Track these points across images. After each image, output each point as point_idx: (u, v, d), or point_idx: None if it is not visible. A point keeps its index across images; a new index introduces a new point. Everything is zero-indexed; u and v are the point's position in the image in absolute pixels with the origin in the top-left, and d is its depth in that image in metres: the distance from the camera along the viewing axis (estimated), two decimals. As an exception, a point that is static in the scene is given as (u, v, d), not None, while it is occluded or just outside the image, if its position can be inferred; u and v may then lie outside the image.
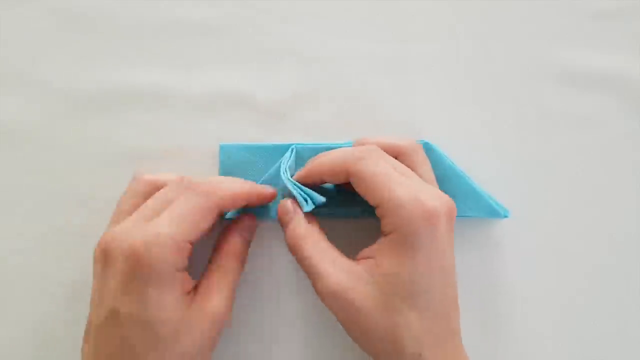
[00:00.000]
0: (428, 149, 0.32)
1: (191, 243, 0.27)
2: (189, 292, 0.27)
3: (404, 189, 0.26)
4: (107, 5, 0.35)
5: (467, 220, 0.33)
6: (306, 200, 0.29)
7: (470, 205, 0.32)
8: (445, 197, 0.27)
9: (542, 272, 0.33)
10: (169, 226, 0.26)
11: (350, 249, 0.28)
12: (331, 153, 0.29)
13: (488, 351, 0.33)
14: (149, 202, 0.28)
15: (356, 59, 0.35)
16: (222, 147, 0.34)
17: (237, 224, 0.31)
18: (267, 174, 0.32)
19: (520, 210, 0.33)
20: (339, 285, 0.26)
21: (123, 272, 0.25)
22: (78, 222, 0.34)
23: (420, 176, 0.29)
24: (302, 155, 0.32)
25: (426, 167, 0.30)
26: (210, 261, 0.30)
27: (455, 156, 0.33)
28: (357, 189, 0.28)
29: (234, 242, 0.30)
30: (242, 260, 0.30)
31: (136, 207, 0.29)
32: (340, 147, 0.32)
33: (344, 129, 0.34)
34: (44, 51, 0.35)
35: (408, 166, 0.29)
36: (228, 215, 0.32)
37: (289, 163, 0.31)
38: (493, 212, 0.32)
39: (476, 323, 0.33)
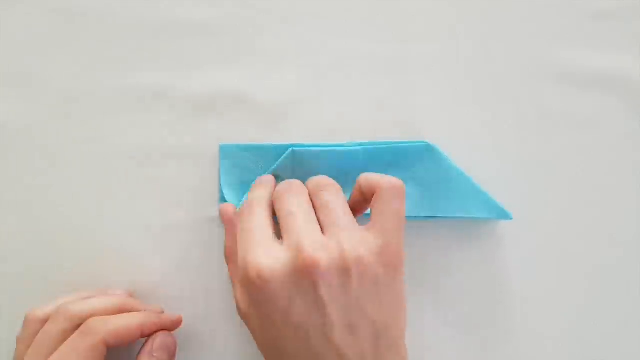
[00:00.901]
0: (429, 150, 0.32)
1: None
2: None
3: (242, 251, 0.26)
4: (107, 5, 0.35)
5: (467, 220, 0.33)
6: None
7: (472, 206, 0.32)
8: (303, 251, 0.25)
9: (543, 272, 0.33)
10: None
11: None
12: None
13: (488, 351, 0.33)
14: (34, 343, 0.28)
15: (356, 59, 0.35)
16: (222, 148, 0.34)
17: (149, 345, 0.30)
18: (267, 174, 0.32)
19: (520, 210, 0.33)
20: (239, 311, 0.28)
21: None
22: (78, 222, 0.34)
23: (318, 217, 0.27)
24: (302, 157, 0.32)
25: (323, 208, 0.27)
26: None
27: (455, 156, 0.33)
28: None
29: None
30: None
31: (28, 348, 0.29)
32: (341, 148, 0.32)
33: (344, 129, 0.34)
34: (44, 51, 0.35)
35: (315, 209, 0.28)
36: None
37: (282, 163, 0.31)
38: (495, 213, 0.32)
39: (476, 323, 0.33)
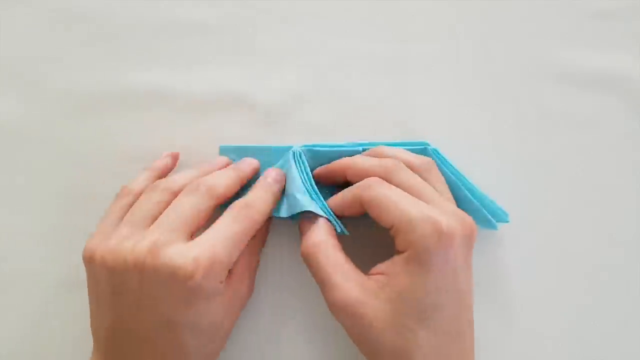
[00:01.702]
0: (428, 152, 0.32)
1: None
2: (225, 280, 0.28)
3: (416, 207, 0.26)
4: (107, 5, 0.35)
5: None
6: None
7: (470, 210, 0.31)
8: (465, 217, 0.27)
9: (543, 272, 0.33)
10: (225, 248, 0.27)
11: (365, 263, 0.28)
12: (342, 193, 0.30)
13: (489, 351, 0.33)
14: (131, 211, 0.29)
15: (356, 59, 0.35)
16: (221, 149, 0.34)
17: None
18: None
19: (520, 210, 0.33)
20: (351, 299, 0.26)
21: (175, 289, 0.26)
22: (78, 222, 0.34)
23: (437, 191, 0.29)
24: (302, 158, 0.32)
25: (441, 184, 0.30)
26: None
27: (455, 156, 0.33)
28: (371, 216, 0.28)
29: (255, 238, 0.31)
30: (264, 241, 0.32)
31: (154, 214, 0.29)
32: (342, 148, 0.32)
33: (344, 129, 0.34)
34: (44, 51, 0.35)
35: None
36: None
37: (304, 173, 0.31)
38: (494, 217, 0.31)
39: (477, 323, 0.33)
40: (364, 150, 0.32)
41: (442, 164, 0.31)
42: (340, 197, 0.30)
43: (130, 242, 0.27)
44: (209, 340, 0.28)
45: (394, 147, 0.31)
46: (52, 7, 0.35)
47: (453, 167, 0.32)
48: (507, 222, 0.32)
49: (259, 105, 0.35)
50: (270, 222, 0.32)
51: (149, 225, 0.28)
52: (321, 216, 0.29)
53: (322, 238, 0.28)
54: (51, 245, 0.33)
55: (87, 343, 0.32)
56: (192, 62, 0.35)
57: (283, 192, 0.31)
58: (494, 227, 0.31)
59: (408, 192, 0.28)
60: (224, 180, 0.30)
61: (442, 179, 0.30)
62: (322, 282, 0.27)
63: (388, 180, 0.28)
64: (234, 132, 0.34)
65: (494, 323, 0.33)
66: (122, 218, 0.29)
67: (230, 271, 0.28)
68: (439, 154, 0.32)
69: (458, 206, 0.31)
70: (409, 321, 0.26)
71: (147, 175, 0.32)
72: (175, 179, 0.30)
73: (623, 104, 0.35)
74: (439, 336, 0.26)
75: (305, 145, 0.32)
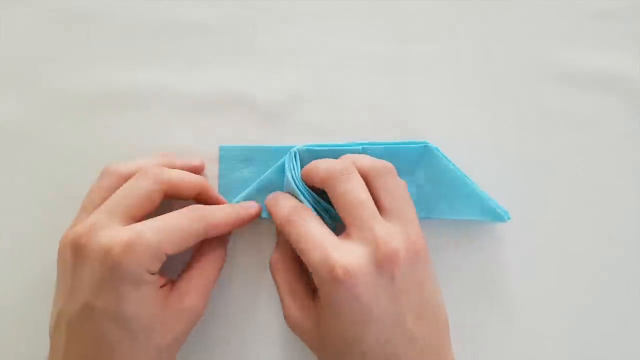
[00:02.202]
0: (428, 151, 0.32)
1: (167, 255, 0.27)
2: (162, 287, 0.28)
3: (317, 251, 0.26)
4: (107, 5, 0.35)
5: (467, 221, 0.33)
6: (320, 214, 0.30)
7: (471, 208, 0.32)
8: (385, 242, 0.26)
9: (543, 272, 0.33)
10: (155, 234, 0.26)
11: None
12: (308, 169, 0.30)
13: (489, 351, 0.33)
14: (117, 194, 0.28)
15: (356, 59, 0.35)
16: (221, 149, 0.34)
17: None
18: (265, 176, 0.32)
19: (520, 210, 0.33)
20: (295, 320, 0.28)
21: (99, 269, 0.26)
22: (78, 222, 0.34)
23: (378, 202, 0.28)
24: (302, 158, 0.32)
25: (387, 193, 0.28)
26: (192, 258, 0.31)
27: (455, 156, 0.33)
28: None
29: (214, 244, 0.31)
30: (221, 260, 0.31)
31: (104, 198, 0.29)
32: (341, 148, 0.32)
33: (344, 129, 0.34)
34: (44, 51, 0.35)
35: (372, 192, 0.28)
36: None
37: (297, 171, 0.31)
38: (494, 215, 0.32)
39: (477, 323, 0.33)
40: (363, 150, 0.32)
41: (441, 162, 0.32)
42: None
43: (76, 226, 0.28)
44: (135, 337, 0.26)
45: (359, 154, 0.31)
46: (52, 7, 0.35)
47: (453, 165, 0.32)
48: (509, 219, 0.32)
49: (259, 105, 0.35)
50: (227, 241, 0.32)
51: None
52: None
53: (279, 254, 0.30)
54: (51, 245, 0.33)
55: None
56: (192, 62, 0.35)
57: None
58: (501, 218, 0.31)
59: (343, 206, 0.28)
60: (174, 171, 0.30)
61: (395, 187, 0.29)
62: (279, 296, 0.29)
63: (332, 188, 0.28)
64: (234, 132, 0.34)
65: (493, 323, 0.33)
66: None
67: (174, 283, 0.29)
68: (439, 151, 0.32)
69: (461, 202, 0.31)
70: (335, 350, 0.26)
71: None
72: (128, 164, 0.30)
73: (623, 104, 0.35)
74: None
75: (305, 145, 0.32)
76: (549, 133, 0.34)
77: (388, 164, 0.29)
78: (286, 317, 0.29)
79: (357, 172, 0.29)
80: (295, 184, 0.30)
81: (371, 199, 0.28)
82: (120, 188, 0.29)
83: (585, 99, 0.35)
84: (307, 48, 0.35)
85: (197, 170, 0.33)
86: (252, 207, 0.31)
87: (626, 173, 0.34)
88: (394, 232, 0.27)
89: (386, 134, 0.34)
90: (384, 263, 0.26)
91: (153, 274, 0.27)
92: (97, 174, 0.34)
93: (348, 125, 0.34)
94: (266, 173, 0.32)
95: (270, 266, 0.30)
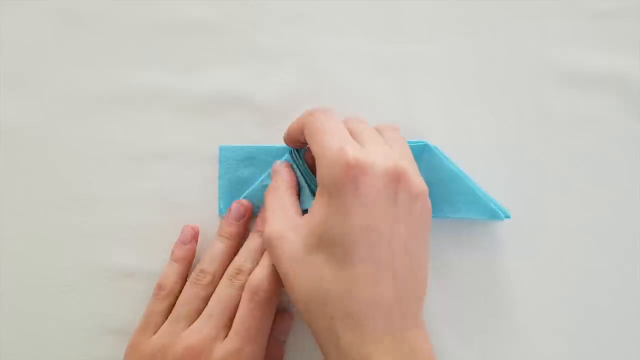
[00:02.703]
0: (428, 150, 0.32)
1: None
2: None
3: (333, 140, 0.26)
4: (107, 6, 0.35)
5: (468, 220, 0.33)
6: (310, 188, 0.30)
7: (471, 206, 0.32)
8: (392, 155, 0.26)
9: (543, 272, 0.33)
10: (250, 344, 0.28)
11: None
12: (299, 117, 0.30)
13: (489, 351, 0.33)
14: (211, 308, 0.29)
15: (356, 59, 0.35)
16: (221, 149, 0.34)
17: (275, 329, 0.32)
18: (265, 175, 0.32)
19: (520, 210, 0.33)
20: (274, 232, 0.27)
21: None
22: (78, 222, 0.34)
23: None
24: (302, 156, 0.32)
25: (393, 140, 0.29)
26: None
27: (455, 156, 0.33)
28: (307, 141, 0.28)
29: (275, 350, 0.32)
30: (287, 331, 0.32)
31: (197, 312, 0.30)
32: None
33: (344, 129, 0.34)
34: (44, 51, 0.35)
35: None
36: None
37: (302, 168, 0.31)
38: (494, 214, 0.32)
39: (477, 323, 0.33)
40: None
41: (441, 161, 0.32)
42: (291, 126, 0.30)
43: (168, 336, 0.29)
44: None
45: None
46: (52, 7, 0.35)
47: (453, 164, 0.32)
48: (509, 217, 0.32)
49: (259, 105, 0.35)
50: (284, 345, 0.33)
51: (190, 322, 0.29)
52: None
53: (275, 182, 0.30)
54: (51, 245, 0.33)
55: (87, 344, 0.32)
56: (192, 62, 0.35)
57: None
58: (500, 217, 0.31)
59: (350, 134, 0.27)
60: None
61: (401, 140, 0.30)
62: (266, 217, 0.29)
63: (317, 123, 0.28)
64: (234, 132, 0.34)
65: (493, 322, 0.33)
66: (163, 321, 0.30)
67: None
68: (439, 151, 0.32)
69: (461, 201, 0.31)
70: (316, 254, 0.26)
71: (174, 269, 0.32)
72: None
73: (623, 104, 0.35)
74: (346, 273, 0.25)
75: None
76: (549, 133, 0.34)
77: (393, 124, 0.31)
78: (265, 233, 0.28)
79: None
80: (307, 181, 0.31)
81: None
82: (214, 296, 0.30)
83: (585, 99, 0.35)
84: (307, 48, 0.35)
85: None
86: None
87: (626, 173, 0.34)
88: (406, 160, 0.27)
89: (386, 134, 0.34)
90: (390, 175, 0.26)
91: None
92: (97, 174, 0.34)
93: (348, 125, 0.34)
94: (266, 173, 0.32)
95: (266, 192, 0.30)
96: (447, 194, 0.32)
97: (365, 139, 0.27)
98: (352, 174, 0.25)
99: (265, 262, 0.29)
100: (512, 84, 0.35)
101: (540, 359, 0.33)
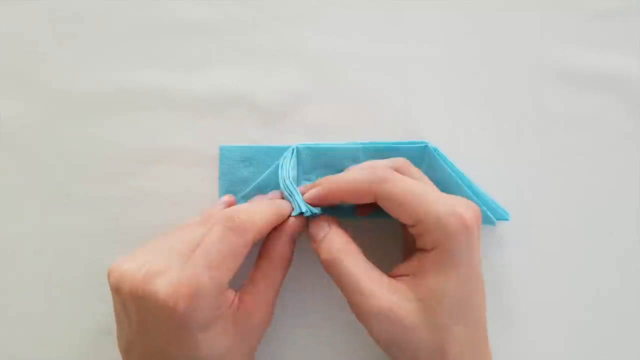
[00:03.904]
0: (428, 151, 0.32)
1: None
2: (229, 306, 0.27)
3: (440, 204, 0.26)
4: (107, 6, 0.35)
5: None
6: (302, 206, 0.29)
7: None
8: (472, 203, 0.28)
9: (543, 272, 0.33)
10: (209, 272, 0.25)
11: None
12: (350, 176, 0.28)
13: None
14: (179, 236, 0.27)
15: (356, 59, 0.35)
16: (221, 149, 0.34)
17: (284, 226, 0.29)
18: (265, 175, 0.32)
19: (520, 210, 0.33)
20: (387, 304, 0.26)
21: (165, 319, 0.24)
22: (78, 222, 0.34)
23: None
24: (302, 155, 0.32)
25: (422, 176, 0.30)
26: (256, 266, 0.29)
27: (455, 156, 0.33)
28: (387, 210, 0.27)
29: (281, 249, 0.28)
30: (288, 266, 0.29)
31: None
32: (342, 147, 0.32)
33: (344, 129, 0.34)
34: (44, 51, 0.35)
35: None
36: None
37: (290, 165, 0.31)
38: (494, 215, 0.32)
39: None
40: (364, 149, 0.32)
41: (441, 162, 0.32)
42: (351, 184, 0.28)
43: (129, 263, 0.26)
44: None
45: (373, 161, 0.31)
46: (52, 7, 0.35)
47: (453, 165, 0.32)
48: (508, 219, 0.32)
49: (259, 105, 0.35)
50: (293, 245, 0.29)
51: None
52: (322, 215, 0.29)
53: (344, 243, 0.28)
54: (51, 245, 0.33)
55: (87, 344, 0.32)
56: (192, 62, 0.35)
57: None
58: (492, 223, 0.31)
59: (411, 195, 0.27)
60: (263, 216, 0.27)
61: (421, 173, 0.30)
62: (350, 290, 0.26)
63: (382, 189, 0.27)
64: (234, 132, 0.34)
65: (493, 322, 0.33)
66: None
67: (241, 297, 0.27)
68: (439, 152, 0.32)
69: None
70: (444, 319, 0.26)
71: None
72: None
73: (623, 104, 0.35)
74: (470, 327, 0.26)
75: (305, 144, 0.32)
76: (549, 133, 0.34)
77: (404, 159, 0.30)
78: (373, 307, 0.26)
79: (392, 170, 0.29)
80: (285, 184, 0.30)
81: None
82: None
83: (585, 99, 0.35)
84: (307, 48, 0.35)
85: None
86: (284, 204, 0.29)
87: (626, 173, 0.34)
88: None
89: (386, 134, 0.34)
90: (477, 223, 0.27)
91: (224, 307, 0.26)
92: (97, 173, 0.34)
93: (348, 125, 0.34)
94: (266, 173, 0.32)
95: (331, 258, 0.27)
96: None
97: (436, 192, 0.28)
98: (469, 236, 0.26)
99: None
100: (512, 84, 0.35)
101: (540, 359, 0.33)
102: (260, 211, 0.27)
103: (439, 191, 0.28)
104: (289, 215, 0.29)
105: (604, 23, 0.35)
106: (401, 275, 0.27)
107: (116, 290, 0.26)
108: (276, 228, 0.29)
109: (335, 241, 0.28)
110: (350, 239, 0.28)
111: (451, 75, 0.35)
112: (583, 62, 0.35)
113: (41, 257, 0.33)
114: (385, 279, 0.27)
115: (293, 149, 0.32)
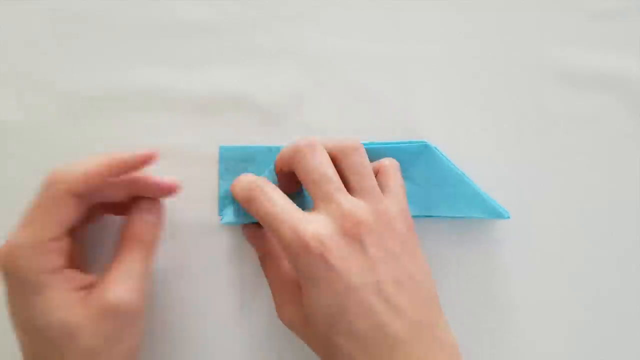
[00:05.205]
0: (427, 150, 0.32)
1: (54, 239, 0.25)
2: (83, 287, 0.26)
3: (287, 227, 0.26)
4: (107, 5, 0.35)
5: (467, 220, 0.33)
6: None
7: (470, 205, 0.32)
8: (349, 212, 0.26)
9: (543, 272, 0.33)
10: (23, 229, 0.25)
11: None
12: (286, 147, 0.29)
13: (488, 351, 0.33)
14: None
15: (356, 59, 0.35)
16: (221, 148, 0.34)
17: (138, 205, 0.29)
18: (265, 174, 0.32)
19: (519, 210, 0.33)
20: (289, 316, 0.28)
21: (4, 286, 0.26)
22: (78, 222, 0.34)
23: (345, 180, 0.28)
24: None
25: (353, 170, 0.28)
26: (114, 251, 0.28)
27: (454, 156, 0.33)
28: None
29: (137, 227, 0.28)
30: (149, 245, 0.28)
31: None
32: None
33: (344, 129, 0.34)
34: (44, 51, 0.35)
35: (339, 171, 0.28)
36: (223, 221, 0.32)
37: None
38: (493, 213, 0.32)
39: (476, 323, 0.33)
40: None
41: (440, 161, 0.32)
42: (280, 155, 0.29)
43: None
44: (57, 346, 0.25)
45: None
46: (51, 7, 0.35)
47: (453, 164, 0.32)
48: (509, 217, 0.32)
49: (259, 105, 0.35)
50: (156, 221, 0.30)
51: None
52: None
53: (265, 250, 0.31)
54: (51, 245, 0.33)
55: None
56: (192, 62, 0.35)
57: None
58: (499, 216, 0.32)
59: (309, 181, 0.27)
60: (80, 165, 0.27)
61: (361, 166, 0.28)
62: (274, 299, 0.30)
63: (297, 164, 0.28)
64: (234, 132, 0.34)
65: (493, 322, 0.33)
66: None
67: (97, 279, 0.27)
68: (438, 151, 0.32)
69: (461, 200, 0.31)
70: (323, 331, 0.26)
71: None
72: None
73: (623, 104, 0.35)
74: (356, 337, 0.25)
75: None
76: (549, 133, 0.34)
77: (355, 143, 0.29)
78: (279, 316, 0.29)
79: (322, 147, 0.28)
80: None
81: (337, 173, 0.28)
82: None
83: (585, 99, 0.35)
84: (307, 48, 0.35)
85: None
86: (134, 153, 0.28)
87: (626, 173, 0.34)
88: (360, 205, 0.27)
89: (386, 134, 0.34)
90: (351, 231, 0.26)
91: (57, 271, 0.25)
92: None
93: (348, 125, 0.34)
94: (265, 172, 0.32)
95: (245, 193, 0.28)
96: (447, 194, 0.32)
97: (323, 186, 0.27)
98: (315, 254, 0.25)
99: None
100: (512, 83, 0.35)
101: (540, 358, 0.33)
102: (80, 163, 0.27)
103: (337, 196, 0.27)
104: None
105: (604, 23, 0.35)
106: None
107: None
108: (136, 208, 0.29)
109: (246, 178, 0.29)
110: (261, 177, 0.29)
111: (451, 75, 0.35)
112: (583, 62, 0.35)
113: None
114: (292, 287, 0.29)
115: None
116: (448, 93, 0.35)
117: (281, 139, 0.34)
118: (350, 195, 0.27)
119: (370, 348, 0.25)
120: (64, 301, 0.25)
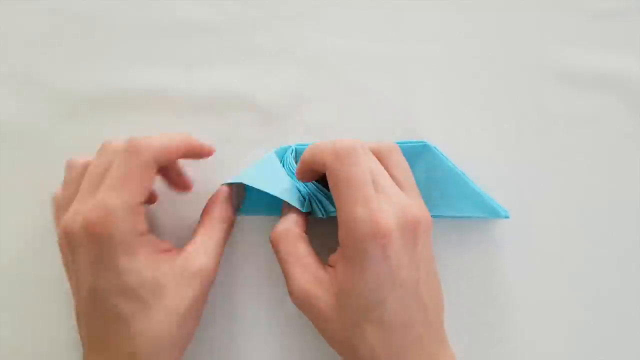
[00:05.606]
0: (427, 150, 0.32)
1: (141, 203, 0.27)
2: (163, 252, 0.28)
3: (362, 207, 0.26)
4: (107, 6, 0.35)
5: (467, 220, 0.33)
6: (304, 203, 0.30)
7: (470, 205, 0.32)
8: (410, 209, 0.27)
9: (542, 272, 0.33)
10: (114, 193, 0.26)
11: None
12: (319, 145, 0.28)
13: (488, 351, 0.33)
14: (86, 176, 0.28)
15: (356, 59, 0.35)
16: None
17: (220, 191, 0.31)
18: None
19: (519, 210, 0.33)
20: (304, 291, 0.27)
21: (88, 249, 0.26)
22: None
23: (394, 177, 0.28)
24: (299, 156, 0.32)
25: (400, 168, 0.29)
26: (197, 225, 0.30)
27: (454, 156, 0.33)
28: (329, 184, 0.28)
29: (218, 206, 0.30)
30: (227, 220, 0.30)
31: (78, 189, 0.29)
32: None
33: (344, 129, 0.34)
34: (44, 51, 0.35)
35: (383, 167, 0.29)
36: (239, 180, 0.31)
37: (289, 166, 0.31)
38: (493, 213, 0.32)
39: (476, 322, 0.33)
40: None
41: (440, 160, 0.32)
42: (311, 153, 0.29)
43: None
44: (146, 305, 0.26)
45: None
46: (51, 7, 0.35)
47: (453, 164, 0.32)
48: (509, 217, 0.32)
49: (259, 105, 0.35)
50: (232, 200, 0.31)
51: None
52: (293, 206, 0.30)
53: (286, 227, 0.29)
54: (50, 245, 0.33)
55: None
56: (192, 62, 0.35)
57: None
58: (499, 215, 0.32)
59: (364, 179, 0.27)
60: (162, 138, 0.28)
61: (404, 164, 0.30)
62: (283, 271, 0.29)
63: (345, 164, 0.27)
64: (234, 132, 0.34)
65: (492, 322, 0.33)
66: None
67: (183, 248, 0.28)
68: (438, 150, 0.32)
69: (460, 200, 0.31)
70: (352, 315, 0.26)
71: None
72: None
73: (623, 104, 0.35)
74: (384, 329, 0.26)
75: (304, 144, 0.32)
76: (549, 133, 0.34)
77: (393, 143, 0.30)
78: (293, 290, 0.28)
79: (367, 148, 0.28)
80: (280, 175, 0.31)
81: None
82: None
83: (585, 99, 0.35)
84: (307, 48, 0.35)
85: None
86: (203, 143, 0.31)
87: (626, 173, 0.34)
88: (415, 203, 0.28)
89: (386, 134, 0.34)
90: (409, 228, 0.26)
91: (143, 234, 0.27)
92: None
93: (348, 125, 0.34)
94: (263, 171, 0.32)
95: (275, 238, 0.29)
96: (447, 194, 0.32)
97: (380, 186, 0.27)
98: (381, 242, 0.25)
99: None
100: (512, 83, 0.35)
101: (540, 358, 0.33)
102: (162, 136, 0.28)
103: (394, 191, 0.27)
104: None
105: (604, 23, 0.35)
106: (330, 266, 0.28)
107: (59, 245, 0.28)
108: (217, 194, 0.31)
109: (283, 224, 0.30)
110: (297, 224, 0.30)
111: (451, 75, 0.35)
112: (583, 62, 0.35)
113: (41, 257, 0.33)
114: (314, 266, 0.28)
115: (292, 149, 0.32)
116: (448, 93, 0.35)
117: (281, 139, 0.34)
118: (403, 193, 0.28)
119: (394, 342, 0.26)
120: (154, 262, 0.27)
